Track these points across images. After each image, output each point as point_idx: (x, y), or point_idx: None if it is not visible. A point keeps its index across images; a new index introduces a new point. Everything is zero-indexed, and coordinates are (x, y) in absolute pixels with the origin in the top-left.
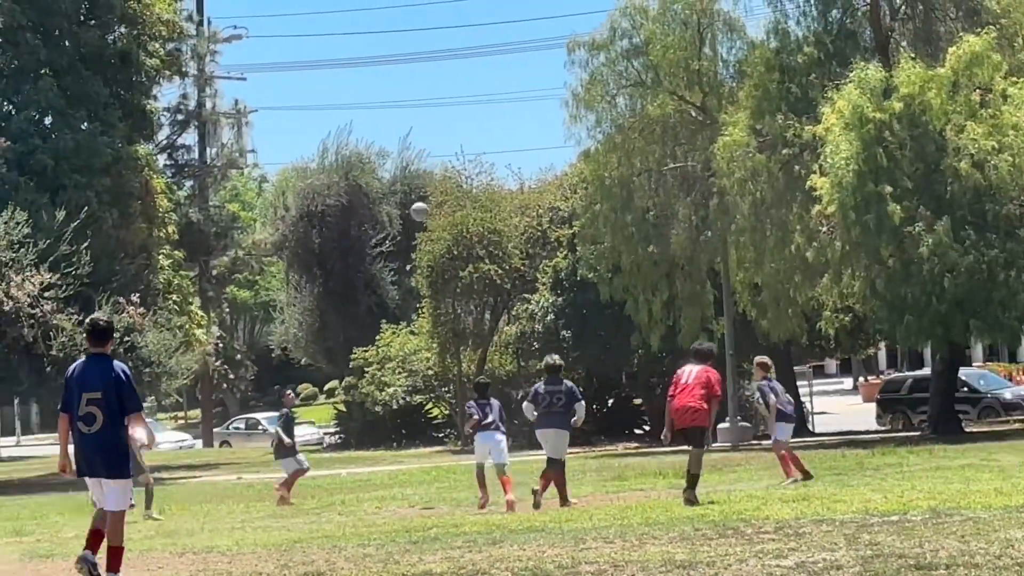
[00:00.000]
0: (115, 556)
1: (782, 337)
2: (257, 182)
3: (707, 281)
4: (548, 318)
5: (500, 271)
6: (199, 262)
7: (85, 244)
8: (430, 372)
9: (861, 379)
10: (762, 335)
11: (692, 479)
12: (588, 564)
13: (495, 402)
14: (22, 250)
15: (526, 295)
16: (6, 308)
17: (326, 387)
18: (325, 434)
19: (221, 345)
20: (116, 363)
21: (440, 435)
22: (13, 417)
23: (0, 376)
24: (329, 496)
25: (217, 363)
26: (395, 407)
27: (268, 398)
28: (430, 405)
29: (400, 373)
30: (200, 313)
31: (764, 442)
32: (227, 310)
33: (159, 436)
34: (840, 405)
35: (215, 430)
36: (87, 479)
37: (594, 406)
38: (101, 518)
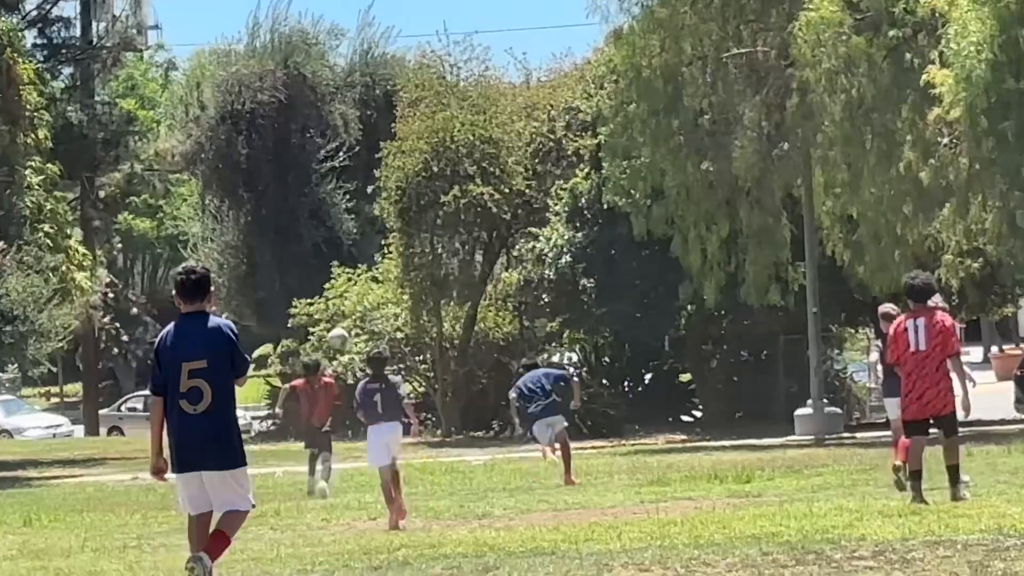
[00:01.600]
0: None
1: (885, 289)
2: (162, 70)
3: (782, 212)
4: (563, 261)
5: (497, 195)
6: (81, 180)
7: None
8: (399, 334)
9: (994, 349)
10: (858, 286)
11: (954, 473)
12: None
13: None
14: None
15: (532, 229)
16: None
17: (255, 354)
18: (253, 418)
19: (111, 295)
20: (221, 321)
21: (409, 421)
22: None
23: None
24: (259, 504)
25: (105, 319)
26: (350, 382)
27: None
28: (399, 379)
29: (358, 335)
30: (82, 250)
31: (860, 434)
32: (119, 246)
33: (25, 419)
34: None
35: (102, 412)
36: (182, 477)
37: (626, 382)
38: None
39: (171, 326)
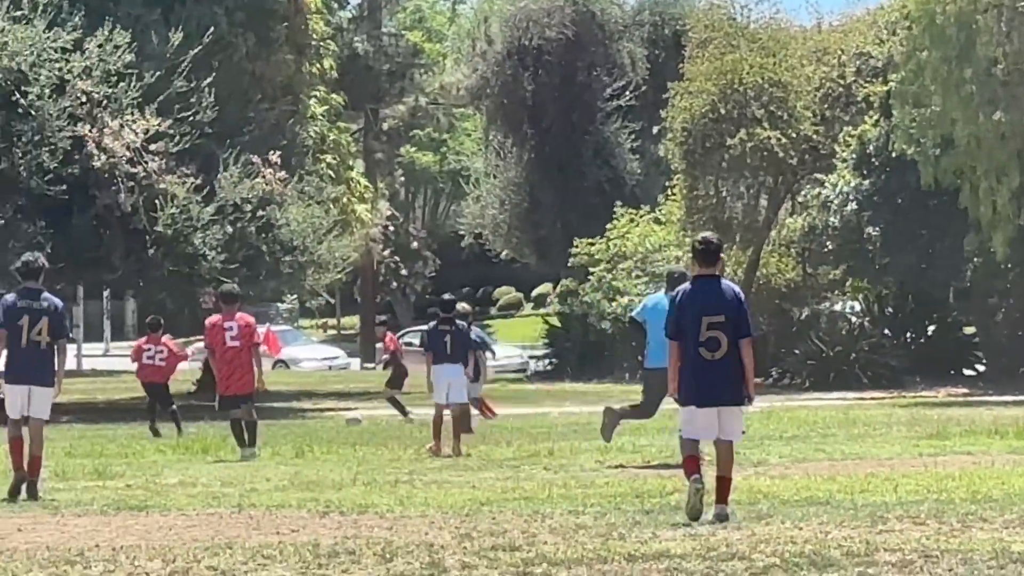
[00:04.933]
0: (727, 486)
1: None
2: (450, 3)
3: None
4: (848, 208)
5: (784, 139)
6: (365, 111)
7: (208, 80)
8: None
9: None
10: None
11: None
12: (888, 551)
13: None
14: (121, 85)
15: (818, 175)
16: (97, 164)
17: (534, 293)
18: (530, 358)
19: (391, 228)
20: (734, 287)
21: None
22: (101, 316)
23: (87, 258)
24: (532, 443)
25: (385, 253)
26: (628, 325)
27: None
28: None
29: (638, 277)
30: (364, 182)
31: None
32: (401, 179)
33: (301, 351)
34: None
35: (379, 345)
36: (700, 411)
37: (908, 334)
38: (694, 454)
39: (687, 285)
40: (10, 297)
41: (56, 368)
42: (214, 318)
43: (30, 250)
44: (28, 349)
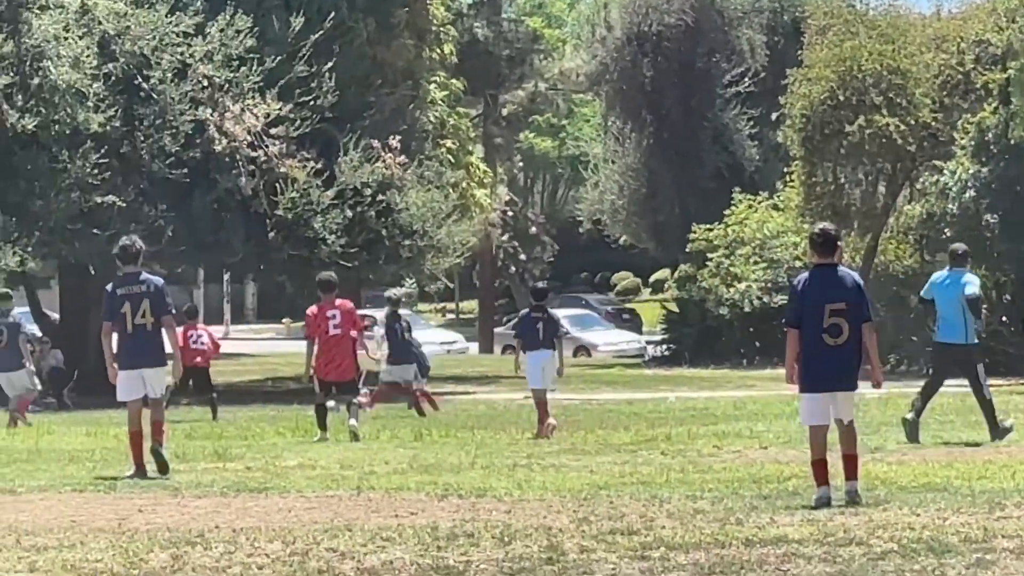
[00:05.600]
0: (855, 463)
1: None
2: None
3: None
4: (966, 196)
5: (903, 127)
6: (484, 96)
7: (329, 65)
8: (798, 263)
9: None
10: None
11: None
12: (1006, 538)
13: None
14: (243, 69)
15: (937, 162)
16: (218, 148)
17: (652, 278)
18: (648, 343)
19: (510, 213)
20: (853, 274)
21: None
22: (222, 299)
23: (207, 241)
24: (650, 428)
25: (504, 238)
26: (746, 310)
27: (573, 289)
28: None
29: (756, 263)
30: (483, 167)
31: None
32: (520, 164)
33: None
34: None
35: (497, 330)
36: (815, 396)
37: None
38: (824, 457)
39: (806, 274)
40: (110, 286)
41: (165, 346)
42: (314, 308)
43: (151, 233)
44: (135, 334)
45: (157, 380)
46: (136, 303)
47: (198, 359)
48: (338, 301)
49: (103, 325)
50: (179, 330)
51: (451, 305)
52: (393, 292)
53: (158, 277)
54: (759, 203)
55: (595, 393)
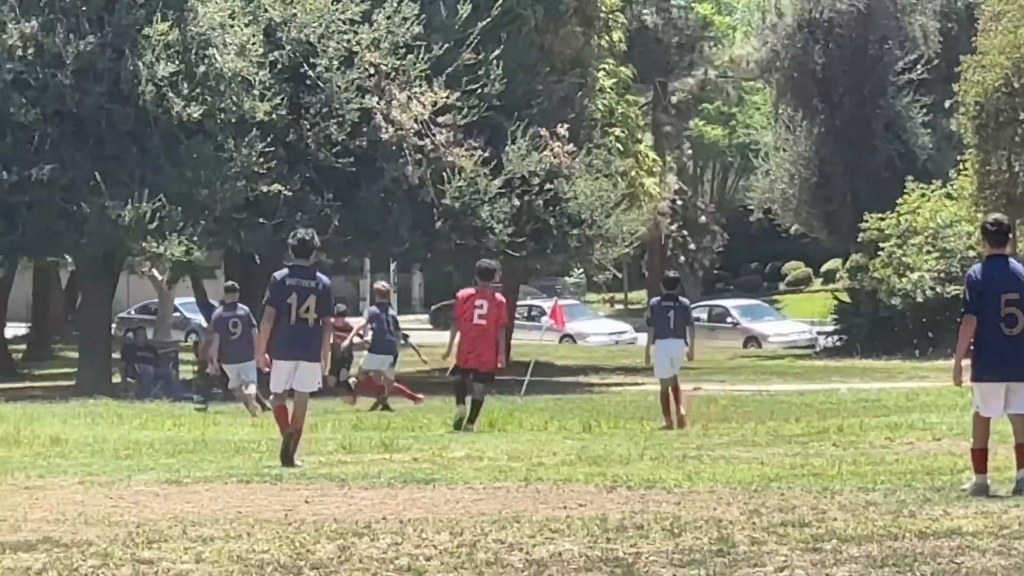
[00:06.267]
0: None
1: None
2: None
3: None
4: None
5: None
6: (653, 84)
7: (496, 53)
8: (971, 253)
9: None
10: None
11: None
12: None
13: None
14: (409, 57)
15: None
16: (385, 136)
17: (823, 268)
18: (819, 334)
19: (679, 202)
20: (1018, 264)
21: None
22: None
23: (374, 230)
24: (821, 420)
25: (673, 227)
26: (919, 300)
27: (742, 279)
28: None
29: (929, 253)
30: (652, 155)
31: None
32: (689, 153)
33: (588, 325)
34: None
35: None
36: (992, 386)
37: None
38: (985, 446)
39: (979, 266)
40: (279, 274)
41: (323, 344)
42: (467, 291)
43: (318, 222)
44: (297, 326)
45: (309, 375)
46: (303, 296)
47: None
48: (492, 292)
49: (266, 309)
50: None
51: (619, 295)
52: (383, 284)
53: (327, 277)
54: (932, 192)
55: (766, 384)
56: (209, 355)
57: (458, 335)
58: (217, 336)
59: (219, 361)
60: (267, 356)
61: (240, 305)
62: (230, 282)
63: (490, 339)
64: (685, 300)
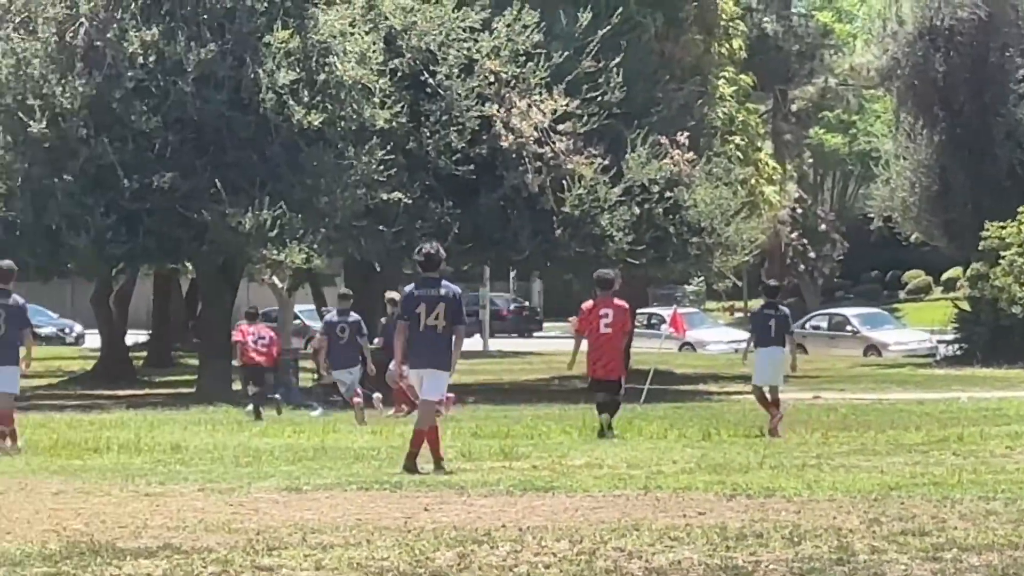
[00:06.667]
0: None
1: None
2: None
3: None
4: None
5: None
6: (774, 92)
7: (617, 60)
8: None
9: None
10: None
11: None
12: None
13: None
14: (529, 64)
15: None
16: (505, 144)
17: (943, 276)
18: (940, 342)
19: (799, 210)
20: None
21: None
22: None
23: (493, 238)
24: (941, 428)
25: (793, 235)
26: None
27: (862, 287)
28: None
29: None
30: (772, 164)
31: None
32: (810, 161)
33: (707, 333)
34: None
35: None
36: None
37: None
38: None
39: None
40: (408, 288)
41: (452, 352)
42: (589, 303)
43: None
44: (425, 333)
45: (433, 383)
46: (432, 305)
47: (261, 359)
48: (615, 300)
49: (397, 324)
50: (242, 329)
51: (739, 303)
52: (393, 295)
53: (456, 287)
54: None
55: (885, 393)
56: (319, 360)
57: (583, 345)
58: (326, 340)
59: (327, 365)
60: (404, 368)
61: (352, 313)
62: (345, 290)
63: (616, 348)
64: (785, 309)
